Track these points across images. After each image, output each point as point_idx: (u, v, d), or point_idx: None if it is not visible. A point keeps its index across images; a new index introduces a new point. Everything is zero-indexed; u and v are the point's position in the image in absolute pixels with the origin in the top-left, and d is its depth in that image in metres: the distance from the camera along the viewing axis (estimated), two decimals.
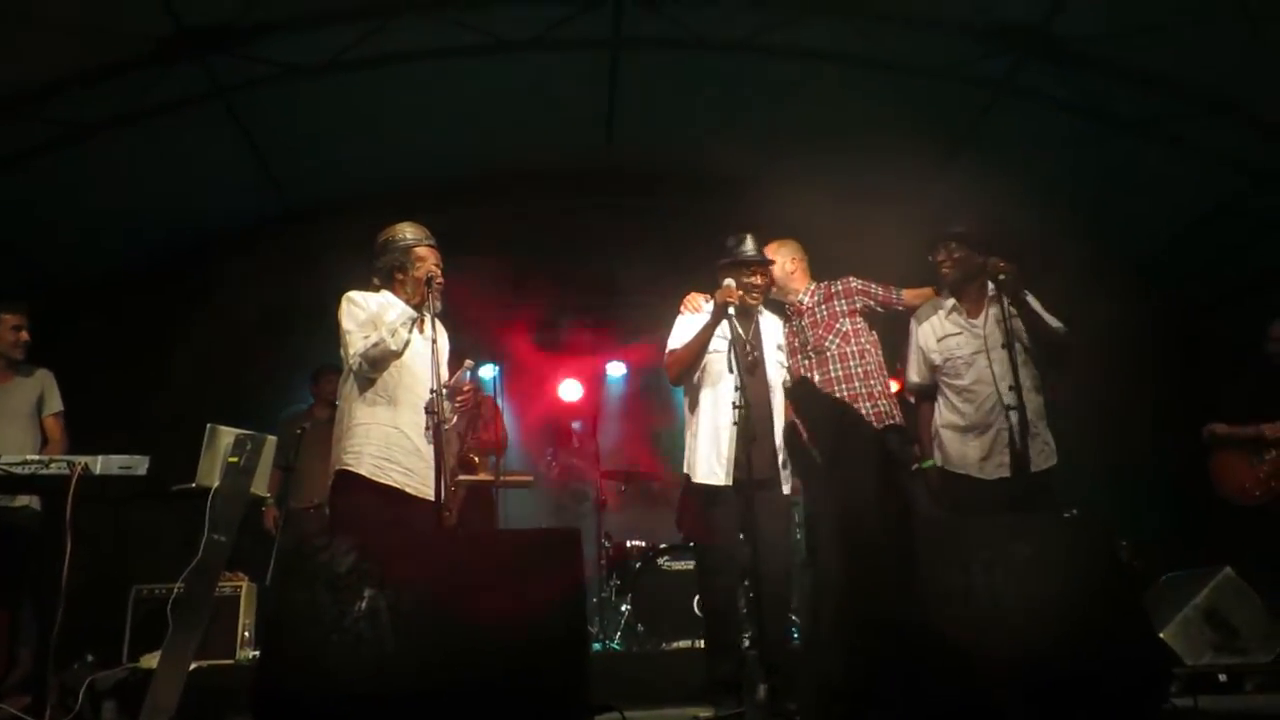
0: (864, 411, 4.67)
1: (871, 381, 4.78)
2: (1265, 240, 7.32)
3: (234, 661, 5.73)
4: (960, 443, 4.67)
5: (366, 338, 4.13)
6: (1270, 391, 5.61)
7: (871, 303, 4.90)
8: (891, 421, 4.74)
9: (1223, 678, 4.98)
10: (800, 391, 4.50)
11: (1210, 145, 6.77)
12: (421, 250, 4.37)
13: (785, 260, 4.95)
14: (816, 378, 4.76)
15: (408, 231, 4.42)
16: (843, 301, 4.90)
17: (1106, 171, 7.07)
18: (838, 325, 4.84)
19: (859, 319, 4.87)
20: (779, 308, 5.02)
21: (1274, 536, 5.46)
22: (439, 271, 4.28)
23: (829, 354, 4.81)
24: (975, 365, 4.65)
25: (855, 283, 4.93)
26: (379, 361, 4.15)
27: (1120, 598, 2.77)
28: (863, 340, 4.83)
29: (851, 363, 4.79)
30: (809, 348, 4.84)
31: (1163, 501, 7.42)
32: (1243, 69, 6.03)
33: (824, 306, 4.91)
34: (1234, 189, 7.16)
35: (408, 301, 4.28)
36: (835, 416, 4.34)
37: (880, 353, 4.89)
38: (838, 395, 4.69)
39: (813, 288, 4.98)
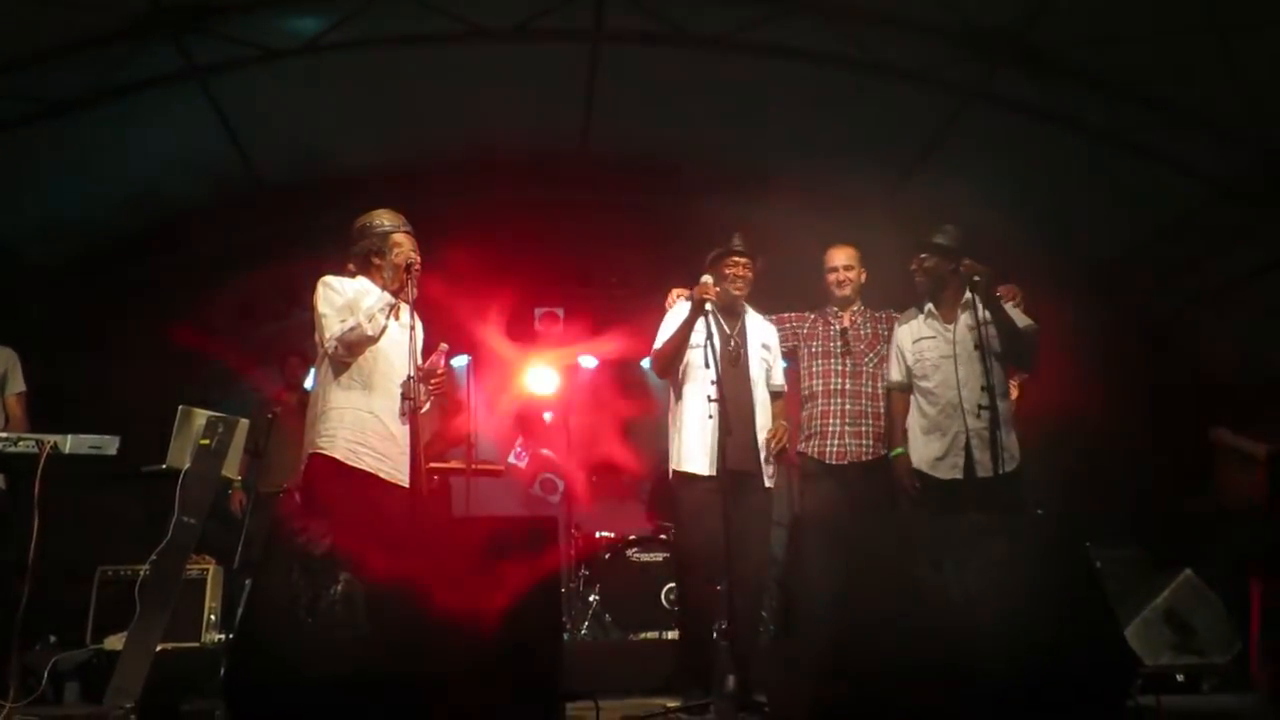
0: (865, 428, 4.98)
1: (878, 405, 5.03)
2: (1225, 252, 7.45)
3: (200, 644, 5.71)
4: (923, 442, 4.85)
5: (343, 322, 4.12)
6: (1269, 399, 5.74)
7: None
8: (883, 449, 4.97)
9: (1180, 678, 5.10)
10: None
11: (1174, 156, 6.88)
12: (398, 236, 4.36)
13: (851, 261, 5.17)
14: (848, 385, 5.01)
15: (385, 218, 4.42)
16: (885, 327, 5.13)
17: (1071, 178, 7.16)
18: (880, 347, 5.09)
19: (886, 349, 5.08)
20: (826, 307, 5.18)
21: (1238, 539, 5.57)
22: (417, 258, 4.29)
23: (864, 369, 5.06)
24: (941, 369, 4.80)
25: (896, 315, 5.14)
26: (355, 346, 4.14)
27: (1088, 597, 2.83)
28: (882, 370, 5.07)
29: (877, 385, 5.05)
30: (847, 354, 5.04)
31: (1122, 505, 7.55)
32: (1208, 81, 6.14)
33: (868, 325, 5.15)
34: (1196, 200, 7.28)
35: (384, 288, 4.28)
36: None
37: None
38: (856, 405, 5.00)
39: (861, 305, 5.21)
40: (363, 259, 4.36)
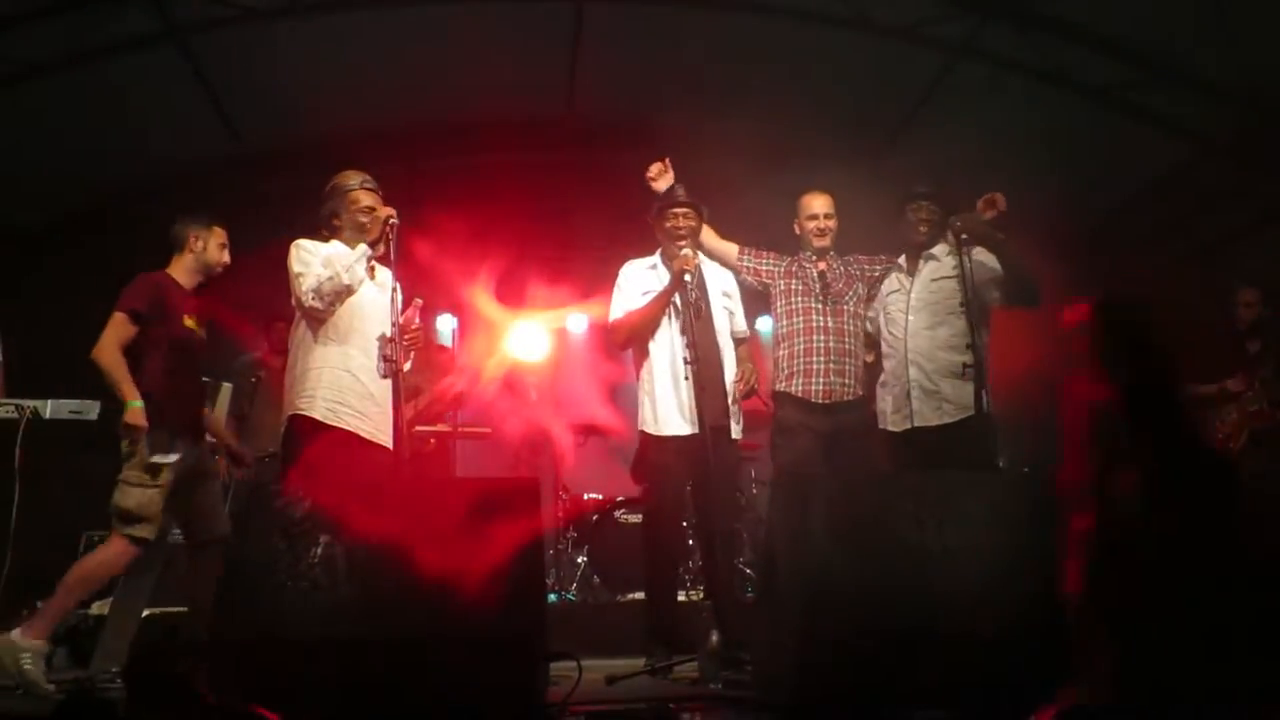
0: (849, 367, 4.85)
1: (859, 346, 4.95)
2: (1211, 210, 7.43)
3: (186, 609, 5.70)
4: (879, 396, 4.91)
5: (319, 273, 4.07)
6: (1235, 352, 5.72)
7: (879, 267, 5.05)
8: (863, 391, 4.93)
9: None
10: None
11: (1164, 113, 6.85)
12: (355, 193, 4.30)
13: (830, 209, 5.03)
14: (830, 323, 4.87)
15: (345, 178, 4.36)
16: (857, 269, 5.04)
17: (1061, 136, 7.12)
18: (856, 287, 4.99)
19: (868, 289, 5.03)
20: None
21: None
22: (391, 211, 4.22)
23: (845, 308, 4.92)
24: (897, 321, 4.83)
25: (864, 257, 5.08)
26: (332, 297, 4.08)
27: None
28: (864, 310, 5.01)
29: (858, 324, 4.96)
30: (827, 295, 4.90)
31: None
32: (1199, 37, 6.09)
33: (842, 266, 5.02)
34: (1185, 157, 7.26)
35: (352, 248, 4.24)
36: None
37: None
38: (840, 344, 4.85)
39: (833, 253, 5.07)
40: (326, 221, 4.32)
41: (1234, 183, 7.10)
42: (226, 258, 4.74)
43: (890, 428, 4.80)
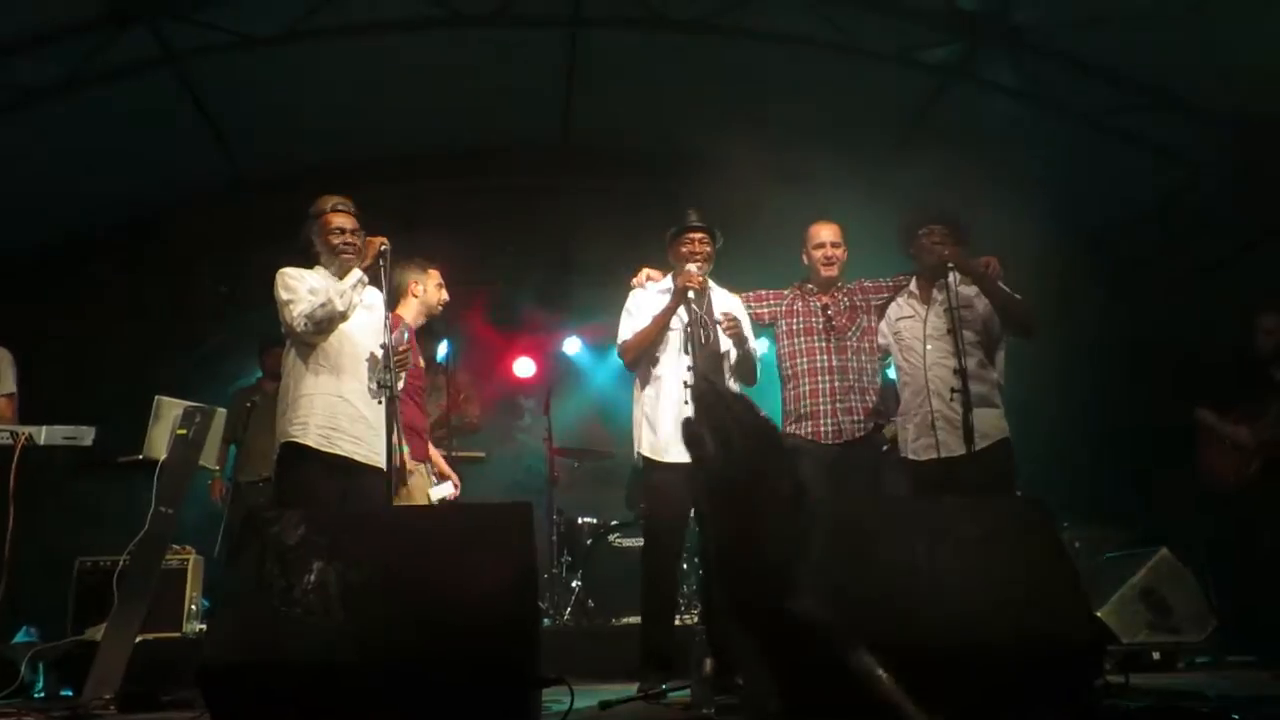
0: (855, 404, 4.82)
1: (866, 379, 4.90)
2: (1204, 233, 7.48)
3: (180, 634, 5.69)
4: (899, 425, 4.87)
5: (312, 299, 4.10)
6: (1254, 379, 5.73)
7: (884, 295, 5.03)
8: (880, 420, 4.92)
9: (1156, 655, 5.14)
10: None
11: (1154, 139, 6.90)
12: (328, 216, 4.34)
13: (838, 239, 5.02)
14: (835, 361, 4.85)
15: (322, 202, 4.41)
16: (862, 299, 5.02)
17: (1052, 162, 7.17)
18: (860, 320, 4.96)
19: (874, 319, 4.99)
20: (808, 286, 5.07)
21: (1232, 519, 5.62)
22: (384, 239, 4.25)
23: (849, 344, 4.90)
24: (915, 350, 4.79)
25: (869, 283, 5.06)
26: (325, 323, 4.11)
27: (1058, 577, 2.84)
28: (872, 340, 4.97)
29: (863, 356, 4.91)
30: (831, 332, 4.89)
31: (1105, 483, 7.60)
32: (1187, 64, 6.15)
33: (848, 300, 5.01)
34: (1176, 182, 7.31)
35: (336, 272, 4.26)
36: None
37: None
38: (845, 381, 4.83)
39: (840, 282, 5.05)
40: (304, 248, 4.37)
41: (1223, 206, 7.14)
42: (446, 296, 5.06)
43: (913, 456, 4.75)
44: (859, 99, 6.84)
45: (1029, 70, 6.63)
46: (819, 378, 4.85)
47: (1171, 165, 7.13)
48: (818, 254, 4.99)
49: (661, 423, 4.58)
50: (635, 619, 6.19)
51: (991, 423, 4.57)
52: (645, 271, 4.91)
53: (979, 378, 4.62)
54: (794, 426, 4.84)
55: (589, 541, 6.90)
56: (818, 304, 4.96)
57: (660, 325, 4.60)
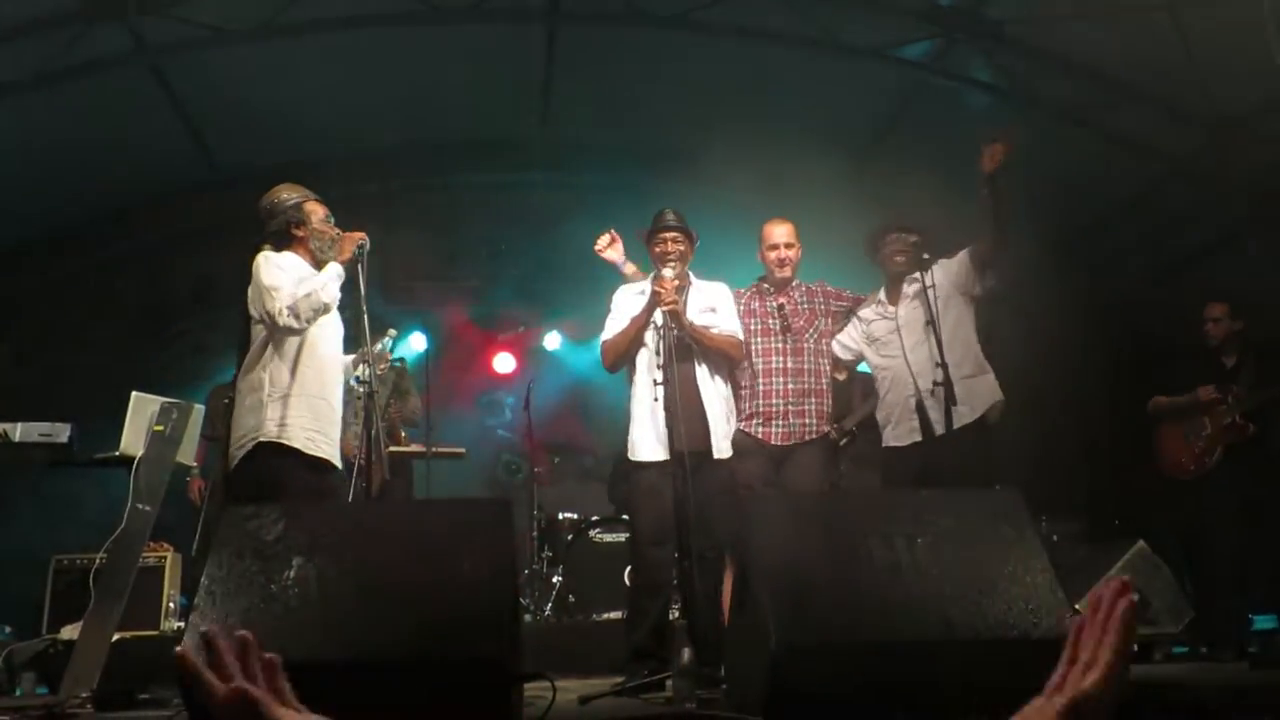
0: (810, 407, 4.84)
1: (823, 382, 4.93)
2: (1179, 229, 7.55)
3: (158, 633, 5.65)
4: (881, 420, 4.93)
5: (298, 288, 4.03)
6: (1205, 368, 5.77)
7: (844, 304, 5.07)
8: (834, 424, 5.03)
9: (1134, 647, 5.19)
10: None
11: (1130, 133, 6.95)
12: (310, 205, 4.29)
13: (791, 239, 5.01)
14: (790, 363, 4.86)
15: (290, 191, 4.33)
16: (821, 302, 5.03)
17: (1028, 157, 7.20)
18: (818, 323, 4.97)
19: (831, 323, 5.02)
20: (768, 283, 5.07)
21: (1193, 510, 5.65)
22: (363, 235, 4.22)
23: (805, 346, 4.91)
24: (891, 342, 4.86)
25: (832, 289, 5.09)
26: (310, 315, 4.03)
27: (1035, 570, 2.87)
28: (828, 345, 5.00)
29: (821, 360, 4.93)
30: (788, 331, 4.89)
31: (1084, 476, 7.67)
32: (1162, 59, 6.20)
33: (806, 301, 5.02)
34: (1150, 178, 7.37)
35: (315, 256, 4.22)
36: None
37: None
38: (799, 384, 4.84)
39: (797, 281, 5.06)
40: (281, 235, 4.26)
41: (1197, 201, 7.21)
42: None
43: (895, 443, 4.81)
44: (835, 95, 6.86)
45: (1002, 65, 6.67)
46: (773, 379, 4.87)
47: (1145, 160, 7.19)
48: (771, 255, 5.00)
49: (636, 423, 4.62)
50: (616, 614, 6.22)
51: (985, 389, 4.70)
52: (630, 268, 4.96)
53: (965, 348, 4.71)
54: (745, 424, 4.85)
55: (570, 537, 6.90)
56: (774, 304, 4.96)
57: (632, 333, 4.62)
